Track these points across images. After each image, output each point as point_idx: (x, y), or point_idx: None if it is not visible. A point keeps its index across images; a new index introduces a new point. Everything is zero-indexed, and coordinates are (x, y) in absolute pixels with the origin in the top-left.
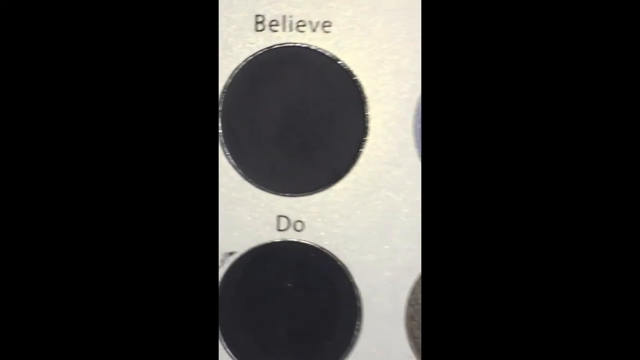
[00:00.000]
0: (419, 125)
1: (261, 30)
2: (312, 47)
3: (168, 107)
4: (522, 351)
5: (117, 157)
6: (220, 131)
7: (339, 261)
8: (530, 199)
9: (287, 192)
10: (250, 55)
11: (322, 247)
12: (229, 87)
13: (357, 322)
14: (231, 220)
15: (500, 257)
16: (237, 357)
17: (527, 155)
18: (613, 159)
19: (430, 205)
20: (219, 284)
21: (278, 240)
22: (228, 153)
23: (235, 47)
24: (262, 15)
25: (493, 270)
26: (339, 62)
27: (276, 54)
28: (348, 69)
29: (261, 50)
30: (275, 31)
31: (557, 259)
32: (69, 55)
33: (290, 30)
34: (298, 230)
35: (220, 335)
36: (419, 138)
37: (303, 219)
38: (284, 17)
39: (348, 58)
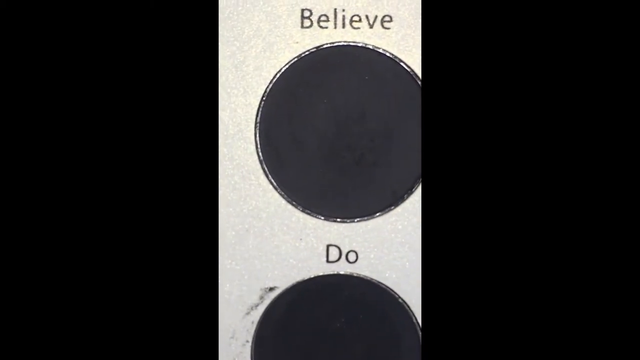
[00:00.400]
0: None
1: (308, 27)
2: (370, 46)
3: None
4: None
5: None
6: (258, 146)
7: (400, 298)
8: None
9: (338, 218)
10: (295, 57)
11: (379, 282)
12: (269, 94)
13: None
14: (272, 250)
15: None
16: None
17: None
18: (613, 158)
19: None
20: (257, 323)
21: (327, 273)
22: (268, 171)
23: (277, 47)
24: (309, 10)
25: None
26: (401, 64)
27: (326, 55)
28: (412, 71)
29: (308, 51)
30: (325, 28)
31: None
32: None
33: (343, 26)
34: (351, 262)
35: None
36: None
37: (357, 249)
38: (335, 10)
39: (412, 59)
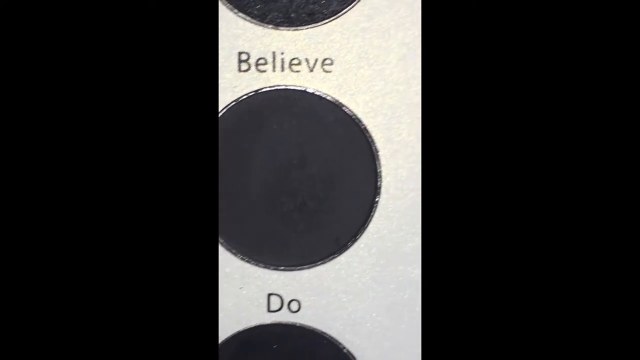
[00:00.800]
0: None
1: (246, 71)
2: (310, 90)
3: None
4: None
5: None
6: None
7: (345, 348)
8: None
9: (280, 266)
10: (233, 101)
11: (323, 332)
12: None
13: None
14: None
15: None
16: None
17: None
18: (613, 159)
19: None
20: None
21: (269, 323)
22: None
23: None
24: (247, 53)
25: None
26: (343, 108)
27: (265, 99)
28: (354, 115)
29: (246, 95)
30: (264, 71)
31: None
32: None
33: (282, 70)
34: (293, 312)
35: None
36: None
37: (299, 298)
38: (273, 54)
39: (354, 103)
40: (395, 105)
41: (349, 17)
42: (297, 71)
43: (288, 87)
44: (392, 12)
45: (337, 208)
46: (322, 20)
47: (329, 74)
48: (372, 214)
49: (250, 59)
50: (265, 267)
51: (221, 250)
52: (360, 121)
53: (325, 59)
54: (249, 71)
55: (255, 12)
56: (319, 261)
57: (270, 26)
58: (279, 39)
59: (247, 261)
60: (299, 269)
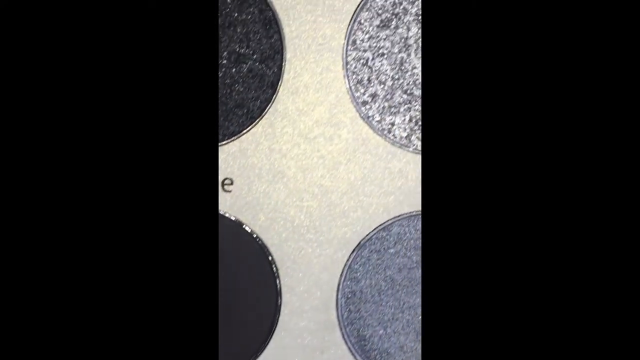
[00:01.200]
0: (345, 302)
1: None
2: None
3: None
4: None
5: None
6: None
7: None
8: None
9: None
10: None
11: None
12: None
13: None
14: None
15: None
16: None
17: None
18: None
19: None
20: None
21: None
22: None
23: None
24: None
25: None
26: (244, 227)
27: None
28: (255, 234)
29: None
30: None
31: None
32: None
33: None
34: None
35: None
36: (349, 324)
37: None
38: None
39: (254, 221)
40: (295, 221)
41: (247, 138)
42: None
43: None
44: (295, 133)
45: (237, 326)
46: (221, 141)
47: (228, 193)
48: (272, 331)
49: None
50: None
51: None
52: (260, 239)
53: (225, 179)
54: None
55: None
56: None
57: None
58: None
59: None
60: None
